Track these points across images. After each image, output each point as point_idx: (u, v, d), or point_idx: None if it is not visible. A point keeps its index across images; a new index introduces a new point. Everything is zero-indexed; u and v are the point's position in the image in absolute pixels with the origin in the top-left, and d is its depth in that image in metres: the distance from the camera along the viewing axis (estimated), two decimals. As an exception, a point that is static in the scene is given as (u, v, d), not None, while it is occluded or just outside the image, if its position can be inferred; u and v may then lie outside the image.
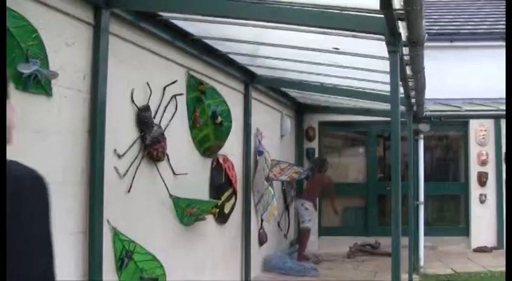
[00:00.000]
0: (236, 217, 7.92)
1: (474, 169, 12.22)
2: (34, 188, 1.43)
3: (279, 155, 10.13)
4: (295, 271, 9.24)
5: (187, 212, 5.95)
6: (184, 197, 5.88)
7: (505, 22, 13.79)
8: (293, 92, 10.34)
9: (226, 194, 7.41)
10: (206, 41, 6.37)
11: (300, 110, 11.99)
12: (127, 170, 4.97)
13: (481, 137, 12.26)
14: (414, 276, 8.26)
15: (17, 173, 1.39)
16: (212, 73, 6.97)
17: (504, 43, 12.78)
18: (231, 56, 7.21)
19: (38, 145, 3.75)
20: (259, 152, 8.84)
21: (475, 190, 12.21)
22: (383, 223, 11.98)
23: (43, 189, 1.46)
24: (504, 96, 11.99)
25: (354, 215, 12.80)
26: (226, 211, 7.45)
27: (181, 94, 6.05)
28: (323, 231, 12.19)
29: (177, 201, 5.81)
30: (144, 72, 5.33)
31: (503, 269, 9.47)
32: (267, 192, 8.75)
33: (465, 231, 12.33)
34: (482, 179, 12.16)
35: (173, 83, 5.81)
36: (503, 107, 10.69)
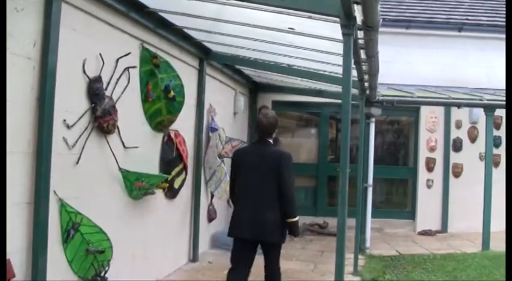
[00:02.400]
0: (186, 193, 7.92)
1: (423, 155, 12.52)
2: None
3: (232, 132, 10.14)
4: (242, 248, 9.29)
5: (136, 186, 5.91)
6: (133, 171, 5.85)
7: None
8: (248, 70, 10.33)
9: (177, 169, 7.39)
10: (162, 14, 6.30)
11: (254, 89, 12.01)
12: (76, 142, 4.90)
13: (431, 123, 12.52)
14: (360, 257, 8.40)
15: None
16: (167, 47, 6.91)
17: (460, 33, 13.07)
18: (187, 30, 7.16)
19: (-16, 112, 3.66)
20: (212, 129, 8.84)
21: (422, 175, 12.50)
22: (332, 203, 12.16)
23: None
24: (457, 85, 12.24)
25: (303, 195, 12.92)
26: (176, 186, 7.44)
27: (134, 67, 5.99)
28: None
29: (126, 174, 5.77)
30: (97, 43, 5.25)
31: (445, 251, 9.82)
32: (219, 169, 8.76)
33: (411, 214, 12.64)
34: (430, 165, 12.47)
35: (126, 55, 5.74)
36: (454, 95, 10.94)
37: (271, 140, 5.63)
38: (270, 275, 5.59)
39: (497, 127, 12.35)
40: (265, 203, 5.38)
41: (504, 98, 10.83)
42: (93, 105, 5.15)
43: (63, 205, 4.71)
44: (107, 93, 5.40)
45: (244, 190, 5.51)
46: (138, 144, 6.10)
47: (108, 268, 5.27)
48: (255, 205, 5.39)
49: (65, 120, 4.73)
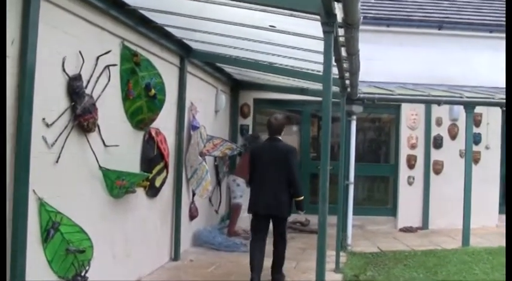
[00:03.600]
0: (167, 191, 7.90)
1: (404, 152, 12.60)
2: None
3: (213, 130, 10.14)
4: (224, 246, 9.30)
5: (117, 184, 5.88)
6: (114, 169, 5.81)
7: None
8: (229, 68, 10.31)
9: (158, 167, 7.36)
10: (142, 11, 6.27)
11: (236, 87, 12.00)
12: (56, 140, 4.86)
13: (411, 121, 12.61)
14: (341, 253, 8.42)
15: None
16: (147, 45, 6.87)
17: (440, 31, 13.16)
18: (167, 28, 7.13)
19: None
20: (193, 127, 8.81)
21: (403, 172, 12.58)
22: (314, 201, 12.10)
23: None
24: (438, 83, 12.34)
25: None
26: (157, 184, 7.41)
27: (114, 65, 5.95)
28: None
29: (106, 173, 5.74)
30: (77, 41, 5.20)
31: (426, 248, 9.89)
32: (201, 167, 8.74)
33: (392, 211, 12.72)
34: (411, 162, 12.55)
35: (107, 53, 5.70)
36: (435, 93, 11.02)
37: (280, 137, 7.26)
38: (277, 242, 7.15)
39: (477, 124, 12.48)
40: (278, 188, 6.99)
41: (484, 96, 10.96)
42: (73, 103, 5.11)
43: (42, 204, 4.67)
44: (87, 91, 5.36)
45: (262, 177, 7.10)
46: (119, 142, 6.07)
47: (89, 267, 5.24)
48: (270, 188, 6.99)
49: (44, 119, 4.68)
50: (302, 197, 7.11)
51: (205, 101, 9.83)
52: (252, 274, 6.91)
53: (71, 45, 5.10)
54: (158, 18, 6.61)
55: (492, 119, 12.65)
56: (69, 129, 5.08)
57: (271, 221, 7.18)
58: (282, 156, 7.06)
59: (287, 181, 7.00)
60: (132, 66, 6.35)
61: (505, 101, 10.67)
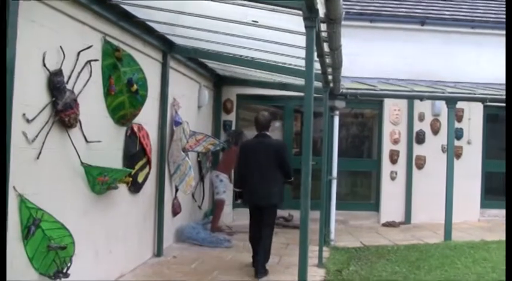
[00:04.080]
0: (150, 187, 7.87)
1: (386, 147, 12.65)
2: None
3: (196, 126, 10.11)
4: (208, 242, 9.29)
5: (99, 180, 5.84)
6: (96, 165, 5.77)
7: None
8: (212, 64, 10.29)
9: (140, 163, 7.33)
10: (124, 6, 6.22)
11: (219, 82, 11.98)
12: (36, 136, 4.81)
13: (394, 116, 12.66)
14: (324, 249, 8.45)
15: None
16: (129, 40, 6.83)
17: (423, 27, 13.21)
18: (149, 23, 7.09)
19: None
20: (176, 123, 8.78)
21: (386, 167, 12.64)
22: (297, 196, 12.10)
23: None
24: (420, 78, 12.41)
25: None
26: (140, 180, 7.38)
27: (96, 60, 5.90)
28: (237, 203, 12.26)
29: (88, 169, 5.70)
30: (58, 36, 5.15)
31: (409, 242, 9.95)
32: (184, 162, 8.70)
33: (375, 206, 12.77)
34: (393, 157, 12.61)
35: (88, 48, 5.66)
36: (417, 88, 11.06)
37: (268, 133, 7.96)
38: (265, 234, 7.66)
39: (459, 120, 12.57)
40: (270, 179, 7.63)
41: (465, 91, 11.02)
42: (54, 99, 5.06)
43: (23, 201, 4.63)
44: (68, 86, 5.32)
45: (254, 171, 7.65)
46: (101, 138, 6.03)
47: (71, 264, 5.20)
48: (263, 180, 7.60)
49: (24, 114, 4.64)
50: (292, 179, 7.99)
51: (188, 96, 9.79)
52: (253, 249, 7.71)
53: (51, 40, 5.05)
54: (140, 13, 6.57)
55: (474, 115, 12.75)
56: (50, 124, 5.04)
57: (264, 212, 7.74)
58: (273, 150, 7.73)
59: (278, 173, 7.70)
60: (114, 61, 6.30)
61: (486, 96, 10.78)
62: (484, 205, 13.07)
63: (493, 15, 13.88)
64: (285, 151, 7.96)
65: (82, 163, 5.61)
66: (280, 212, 11.77)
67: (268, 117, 8.00)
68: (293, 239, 9.56)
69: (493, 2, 15.14)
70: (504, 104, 12.02)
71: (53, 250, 5.00)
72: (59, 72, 5.12)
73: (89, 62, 5.73)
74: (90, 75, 5.78)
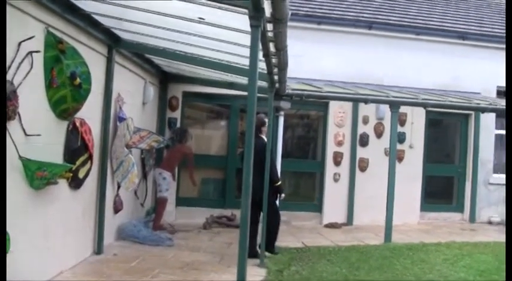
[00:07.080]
0: (91, 183, 7.74)
1: (331, 149, 12.79)
2: None
3: (140, 122, 10.00)
4: (149, 240, 9.20)
5: (37, 175, 5.71)
6: (35, 159, 5.64)
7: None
8: (158, 60, 10.20)
9: (82, 158, 7.20)
10: (69, -2, 6.11)
11: (165, 79, 11.90)
12: (-28, 128, 4.68)
13: (339, 118, 12.81)
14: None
15: None
16: (74, 32, 6.70)
17: (370, 31, 13.39)
18: (95, 16, 6.97)
19: None
20: (120, 118, 8.66)
21: (330, 168, 12.77)
22: (240, 196, 12.15)
23: None
24: (365, 82, 12.63)
25: (212, 187, 12.94)
26: (81, 175, 7.25)
27: (38, 51, 5.75)
28: (180, 201, 12.23)
29: (27, 163, 5.56)
30: (-3, 25, 5.01)
31: (350, 243, 10.08)
32: (127, 159, 8.60)
33: (318, 207, 12.90)
34: (337, 159, 12.76)
35: (30, 38, 5.51)
36: (362, 91, 11.23)
37: (262, 135, 8.64)
38: (271, 217, 8.53)
39: (402, 124, 12.81)
40: (260, 177, 7.76)
41: (409, 96, 11.25)
42: (-8, 90, 4.92)
43: (-44, 194, 4.49)
44: (8, 77, 5.17)
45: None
46: (41, 132, 5.89)
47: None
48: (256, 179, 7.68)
49: (-40, 104, 4.50)
50: (280, 183, 8.77)
51: (133, 92, 9.68)
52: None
53: (-10, 29, 4.90)
54: (86, 6, 6.45)
55: (416, 119, 13.02)
56: (-13, 116, 4.89)
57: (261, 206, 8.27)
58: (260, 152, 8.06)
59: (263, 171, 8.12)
60: (56, 53, 6.16)
61: (428, 101, 11.03)
62: (424, 208, 13.37)
63: (437, 23, 14.19)
64: (267, 152, 8.35)
65: (20, 157, 5.46)
66: (223, 212, 11.83)
67: (257, 119, 8.34)
68: (235, 239, 9.46)
69: (437, 10, 15.49)
70: (445, 110, 12.38)
71: (-13, 246, 4.86)
72: (-2, 63, 4.98)
73: (30, 53, 5.59)
74: (32, 67, 5.63)
